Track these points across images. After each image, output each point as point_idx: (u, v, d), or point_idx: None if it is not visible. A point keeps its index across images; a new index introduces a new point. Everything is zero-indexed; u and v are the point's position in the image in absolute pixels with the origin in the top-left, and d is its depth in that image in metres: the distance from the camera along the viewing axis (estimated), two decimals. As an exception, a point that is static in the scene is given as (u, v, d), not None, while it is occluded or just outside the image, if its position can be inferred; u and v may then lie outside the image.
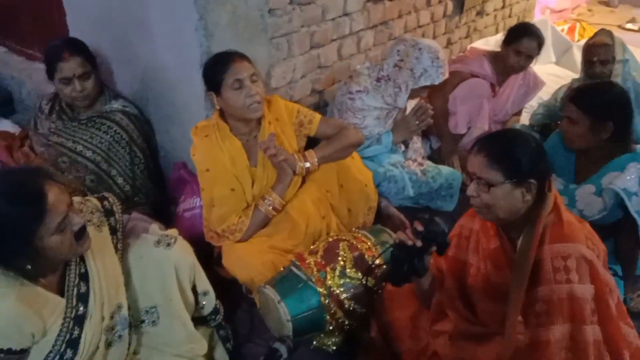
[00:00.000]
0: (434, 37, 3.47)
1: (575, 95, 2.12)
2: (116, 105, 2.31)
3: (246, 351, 1.91)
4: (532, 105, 3.60)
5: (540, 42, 2.85)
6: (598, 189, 2.06)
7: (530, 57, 2.87)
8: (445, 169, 2.66)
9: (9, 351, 1.26)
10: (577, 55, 4.27)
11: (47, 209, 1.26)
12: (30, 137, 2.41)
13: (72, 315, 1.39)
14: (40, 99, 2.46)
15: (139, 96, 2.41)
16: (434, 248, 1.48)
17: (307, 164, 2.07)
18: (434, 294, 1.71)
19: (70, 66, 2.17)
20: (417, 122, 2.55)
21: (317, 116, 2.15)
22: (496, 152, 1.46)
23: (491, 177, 1.45)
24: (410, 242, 1.46)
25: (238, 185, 2.02)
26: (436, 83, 2.43)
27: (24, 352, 1.31)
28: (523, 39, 2.81)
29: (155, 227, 1.82)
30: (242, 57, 1.94)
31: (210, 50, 2.02)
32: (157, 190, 2.45)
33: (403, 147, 2.66)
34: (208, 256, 2.07)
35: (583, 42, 3.21)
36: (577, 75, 4.10)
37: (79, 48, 2.22)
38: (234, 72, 1.89)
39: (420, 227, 1.46)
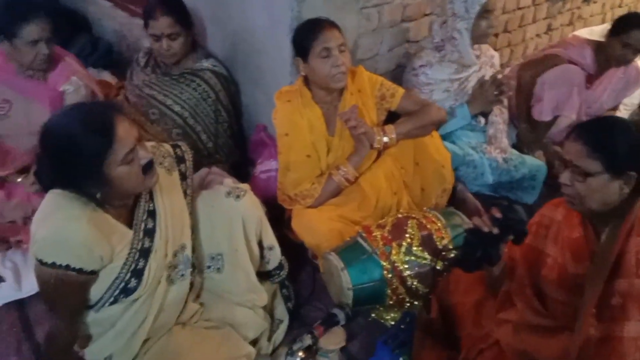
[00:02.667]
0: (534, 22, 3.30)
1: None
2: (206, 64, 2.38)
3: (305, 313, 1.96)
4: (633, 102, 3.36)
5: None
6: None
7: (637, 51, 2.66)
8: (530, 159, 2.54)
9: (80, 271, 1.35)
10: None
11: (115, 139, 1.32)
12: (126, 88, 2.56)
13: (139, 247, 1.47)
14: (137, 53, 2.59)
15: (229, 57, 2.47)
16: (511, 237, 1.43)
17: (386, 139, 2.06)
18: (503, 282, 1.66)
19: (160, 25, 2.25)
20: (496, 92, 2.42)
21: (400, 90, 2.12)
22: (596, 140, 1.37)
23: (589, 166, 1.36)
24: (486, 229, 1.41)
25: (314, 152, 2.04)
26: (482, 2, 2.26)
27: (94, 273, 1.40)
28: (632, 31, 2.60)
29: (229, 180, 1.89)
30: (333, 25, 1.94)
31: (300, 15, 2.03)
32: (237, 149, 2.53)
33: (483, 121, 2.55)
34: (278, 218, 2.13)
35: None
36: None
37: (171, 8, 2.26)
38: (323, 40, 1.89)
39: (498, 214, 1.41)
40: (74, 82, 2.16)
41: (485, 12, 2.31)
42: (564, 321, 1.48)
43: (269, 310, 1.85)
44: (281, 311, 1.88)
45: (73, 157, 1.31)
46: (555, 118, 2.81)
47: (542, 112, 2.78)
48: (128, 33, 3.23)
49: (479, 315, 1.73)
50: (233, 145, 2.51)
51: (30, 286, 1.96)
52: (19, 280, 2.00)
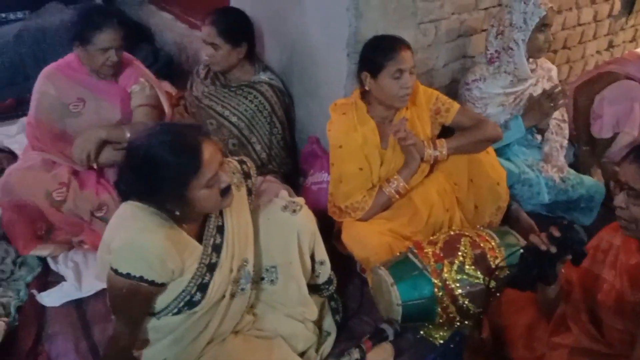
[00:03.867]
0: (595, 38, 3.20)
1: None
2: (264, 77, 2.44)
3: (353, 326, 1.95)
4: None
5: None
6: None
7: None
8: (588, 180, 2.46)
9: (152, 283, 1.40)
10: None
11: (202, 164, 1.37)
12: (186, 98, 2.65)
13: (207, 262, 1.52)
14: (197, 65, 2.68)
15: (285, 69, 2.53)
16: (569, 257, 1.39)
17: (436, 152, 2.05)
18: (557, 305, 1.61)
19: (204, 32, 2.33)
20: (551, 104, 2.36)
21: (456, 105, 2.11)
22: None
23: None
24: (543, 247, 1.39)
25: (366, 165, 2.05)
26: (542, 15, 2.23)
27: (164, 286, 1.45)
28: None
29: (285, 193, 1.93)
30: (408, 46, 1.94)
31: (359, 31, 2.06)
32: (289, 160, 2.57)
33: (539, 138, 2.49)
34: (328, 230, 2.14)
35: None
36: None
37: (217, 20, 2.32)
38: (398, 61, 1.89)
39: (556, 233, 1.38)
40: (141, 83, 2.26)
41: (543, 25, 2.28)
42: (621, 349, 1.44)
43: (318, 322, 1.86)
44: (329, 323, 1.89)
45: (160, 177, 1.36)
46: (615, 136, 2.72)
47: (602, 128, 2.70)
48: (188, 45, 3.34)
49: (531, 338, 1.69)
50: (285, 156, 2.55)
51: (89, 286, 2.05)
52: (79, 279, 2.08)
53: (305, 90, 2.46)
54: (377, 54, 1.93)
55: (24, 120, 2.87)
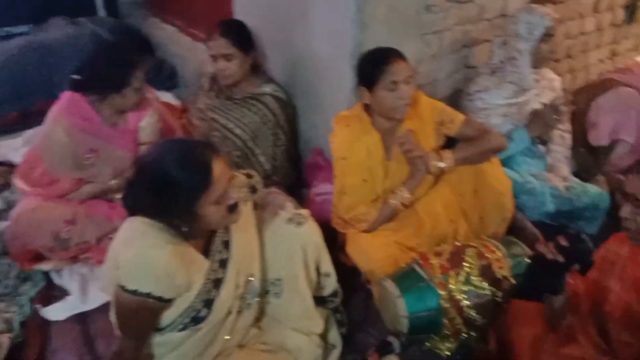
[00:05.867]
0: (598, 47, 3.21)
1: None
2: (268, 89, 2.45)
3: (358, 339, 1.94)
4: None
5: None
6: None
7: None
8: (592, 188, 2.45)
9: (160, 299, 1.39)
10: None
11: (212, 181, 1.37)
12: (190, 111, 2.65)
13: (213, 277, 1.51)
14: (200, 77, 2.69)
15: (289, 81, 2.53)
16: (577, 267, 1.38)
17: (442, 164, 2.04)
18: (564, 317, 1.60)
19: (216, 45, 2.33)
20: (555, 117, 2.36)
21: (460, 116, 2.10)
22: None
23: None
24: (550, 256, 1.38)
25: (370, 177, 2.04)
26: (547, 25, 2.25)
27: (170, 301, 1.44)
28: None
29: (290, 205, 1.92)
30: (401, 57, 1.94)
31: (363, 43, 2.07)
32: (293, 172, 2.57)
33: (543, 149, 2.48)
34: (332, 241, 2.13)
35: None
36: None
37: (229, 30, 2.33)
38: (392, 72, 1.89)
39: (564, 242, 1.38)
40: (150, 117, 2.23)
41: (547, 35, 2.28)
42: (630, 361, 1.42)
43: (323, 335, 1.84)
44: (334, 336, 1.87)
45: (170, 193, 1.36)
46: (614, 143, 2.72)
47: (598, 137, 2.70)
48: (192, 57, 3.35)
49: (538, 351, 1.68)
50: (290, 168, 2.55)
51: (94, 299, 2.04)
52: (85, 292, 2.08)
53: (310, 102, 2.47)
54: (370, 67, 1.93)
55: (29, 132, 2.89)
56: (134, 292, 1.36)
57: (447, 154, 2.05)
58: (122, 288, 1.38)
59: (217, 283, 1.52)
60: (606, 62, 3.34)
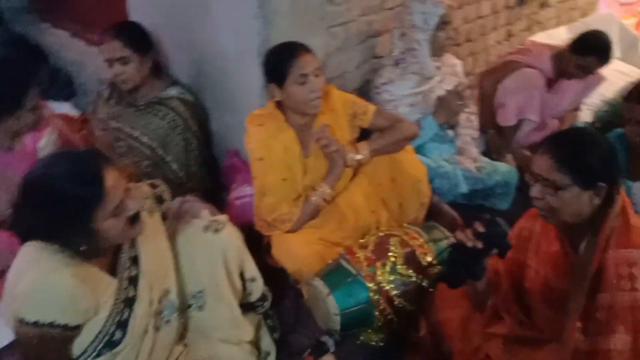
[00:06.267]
0: (495, 29, 3.36)
1: None
2: (173, 92, 2.33)
3: (291, 341, 1.91)
4: (593, 101, 3.45)
5: (607, 60, 2.74)
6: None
7: (590, 72, 2.76)
8: (501, 166, 2.57)
9: (65, 327, 1.29)
10: (645, 52, 4.06)
11: (104, 193, 1.28)
12: (91, 121, 2.48)
13: (123, 297, 1.42)
14: (99, 83, 2.52)
15: (196, 82, 2.43)
16: (495, 250, 1.43)
17: (359, 156, 2.05)
18: (488, 297, 1.66)
19: (109, 48, 2.19)
20: (460, 102, 2.43)
21: (372, 108, 2.12)
22: (565, 153, 1.39)
23: (559, 179, 1.38)
24: (470, 244, 1.41)
25: (290, 175, 2.01)
26: (441, 13, 2.31)
27: (78, 328, 1.34)
28: (589, 57, 2.68)
29: (206, 212, 1.84)
30: (307, 50, 1.92)
31: (268, 39, 2.02)
32: (209, 177, 2.48)
33: (451, 133, 2.57)
34: (257, 244, 2.08)
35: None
36: (644, 72, 3.91)
37: (120, 31, 2.21)
38: (300, 66, 1.87)
39: (481, 228, 1.41)
40: (48, 135, 2.07)
41: (442, 23, 2.34)
42: (552, 333, 1.49)
43: (255, 342, 1.79)
44: (267, 342, 1.83)
45: (60, 210, 1.26)
46: (520, 122, 2.87)
47: (506, 117, 2.83)
48: (88, 63, 3.14)
49: (467, 330, 1.73)
50: (205, 173, 2.45)
51: (3, 336, 1.86)
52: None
53: (220, 103, 2.38)
54: (277, 63, 1.90)
55: None
56: (35, 324, 1.26)
57: (363, 146, 2.06)
58: (22, 321, 1.26)
59: (129, 302, 1.42)
60: (503, 44, 3.51)
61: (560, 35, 3.63)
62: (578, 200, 1.39)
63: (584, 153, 1.39)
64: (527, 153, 2.93)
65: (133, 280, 1.44)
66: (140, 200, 1.45)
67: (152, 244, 1.50)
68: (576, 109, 3.13)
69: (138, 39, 2.25)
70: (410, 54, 2.36)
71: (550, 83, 2.87)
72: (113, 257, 1.44)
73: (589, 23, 3.79)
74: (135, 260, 1.46)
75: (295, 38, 2.00)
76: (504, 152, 2.87)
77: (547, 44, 2.99)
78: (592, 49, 2.68)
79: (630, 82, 2.96)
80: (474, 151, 2.56)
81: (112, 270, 1.43)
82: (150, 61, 2.29)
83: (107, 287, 1.39)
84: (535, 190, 1.43)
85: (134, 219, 1.37)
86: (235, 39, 2.14)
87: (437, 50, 2.40)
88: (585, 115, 3.25)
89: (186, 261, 1.64)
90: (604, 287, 1.37)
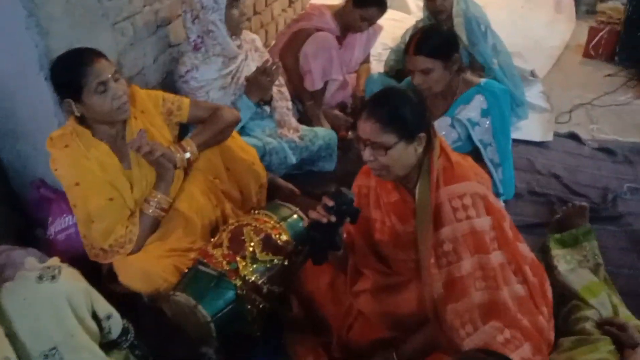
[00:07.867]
0: (277, -1, 3.42)
1: (418, 47, 2.13)
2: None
3: (169, 362, 1.80)
4: (380, 52, 3.77)
5: (385, 8, 2.95)
6: (452, 120, 2.22)
7: (372, 23, 2.97)
8: (320, 130, 2.69)
9: None
10: (407, -1, 4.52)
11: None
12: None
13: None
14: None
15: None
16: (348, 219, 1.49)
17: (187, 154, 1.94)
18: (347, 258, 1.74)
19: None
20: (268, 78, 2.44)
21: (186, 101, 2.02)
22: (386, 115, 1.49)
23: (386, 140, 1.48)
24: (324, 220, 1.45)
25: (116, 193, 1.83)
26: None
27: None
28: (371, 8, 2.87)
29: (32, 260, 1.59)
30: (99, 54, 1.73)
31: (48, 50, 1.76)
32: (14, 215, 2.14)
33: (268, 109, 2.59)
34: (96, 275, 1.87)
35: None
36: (410, 17, 4.39)
37: None
38: (95, 74, 1.68)
39: (330, 202, 1.45)
40: None
41: (233, 1, 2.30)
42: (411, 274, 1.63)
43: (128, 379, 1.65)
44: (141, 375, 1.69)
45: None
46: (326, 84, 3.01)
47: (314, 82, 2.94)
48: None
49: (337, 294, 1.81)
50: (8, 212, 2.11)
51: None
52: None
53: (7, 131, 2.03)
54: (67, 76, 1.69)
55: None
56: None
57: (188, 142, 1.96)
58: None
59: None
60: (288, 11, 3.60)
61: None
62: (406, 154, 1.51)
63: (402, 110, 1.50)
64: (337, 112, 3.10)
65: None
66: None
67: None
68: (366, 61, 3.37)
69: None
70: (209, 37, 2.29)
71: (339, 40, 3.04)
72: None
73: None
74: None
75: (79, 42, 1.79)
76: (318, 116, 2.98)
77: (324, 5, 3.14)
78: (372, 0, 2.87)
79: (405, 30, 3.29)
80: (293, 121, 2.63)
81: None
82: None
83: None
84: (367, 154, 1.52)
85: None
86: (9, 57, 1.81)
87: (234, 29, 2.35)
88: (376, 67, 3.52)
89: (26, 322, 1.41)
90: (444, 222, 1.52)
